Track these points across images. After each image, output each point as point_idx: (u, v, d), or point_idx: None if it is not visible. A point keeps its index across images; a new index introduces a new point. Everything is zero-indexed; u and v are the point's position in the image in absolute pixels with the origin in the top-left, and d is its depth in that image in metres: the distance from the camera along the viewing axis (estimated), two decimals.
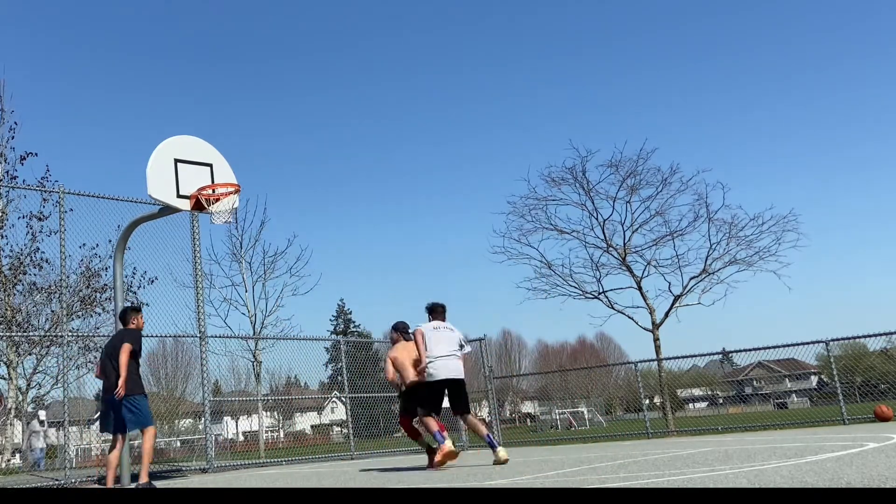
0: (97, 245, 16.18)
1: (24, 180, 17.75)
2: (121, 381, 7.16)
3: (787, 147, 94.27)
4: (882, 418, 12.72)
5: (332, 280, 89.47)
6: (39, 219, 16.54)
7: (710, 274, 18.53)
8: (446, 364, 8.00)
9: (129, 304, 8.40)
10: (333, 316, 60.07)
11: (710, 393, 57.74)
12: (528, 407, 59.92)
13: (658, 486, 3.88)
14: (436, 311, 8.51)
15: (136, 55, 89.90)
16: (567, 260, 23.29)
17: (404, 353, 8.42)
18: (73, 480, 10.17)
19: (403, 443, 18.15)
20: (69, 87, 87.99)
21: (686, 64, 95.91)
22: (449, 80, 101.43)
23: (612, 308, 19.32)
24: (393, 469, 8.59)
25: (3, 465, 18.07)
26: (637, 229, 19.10)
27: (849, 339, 14.83)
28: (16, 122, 18.14)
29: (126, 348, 7.29)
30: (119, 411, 7.36)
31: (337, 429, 42.07)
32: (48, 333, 16.91)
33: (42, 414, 19.79)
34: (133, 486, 7.76)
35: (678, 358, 16.71)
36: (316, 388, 23.79)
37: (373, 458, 13.50)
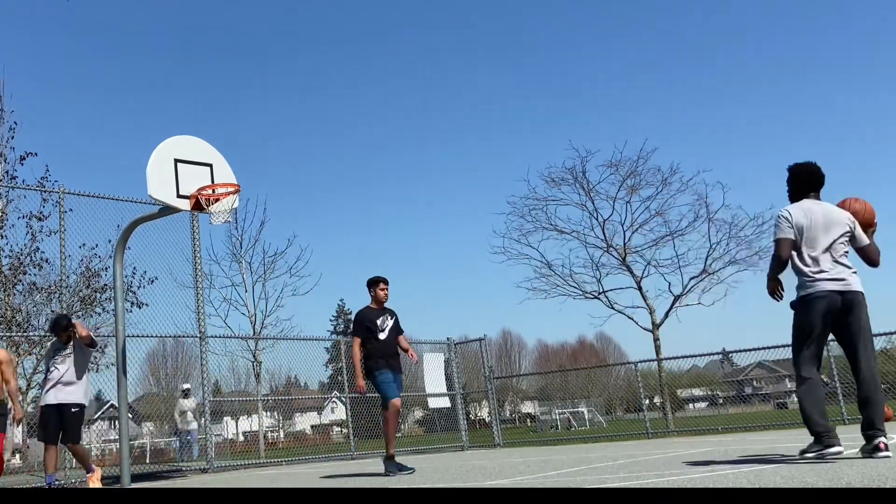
0: (97, 245, 16.15)
1: (23, 180, 17.74)
2: None
3: (787, 147, 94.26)
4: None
5: (332, 280, 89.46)
6: (39, 219, 16.53)
7: (710, 274, 18.56)
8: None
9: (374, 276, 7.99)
10: (333, 316, 60.12)
11: (710, 393, 57.71)
12: (528, 407, 59.94)
13: (658, 486, 3.88)
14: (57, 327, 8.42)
15: (137, 55, 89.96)
16: (567, 260, 23.31)
17: None
18: (73, 480, 10.17)
19: (403, 443, 18.15)
20: (69, 87, 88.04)
21: (686, 64, 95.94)
22: (448, 80, 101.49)
23: (612, 308, 19.36)
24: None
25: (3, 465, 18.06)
26: (637, 229, 19.14)
27: None
28: (16, 122, 18.15)
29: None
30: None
31: (337, 429, 42.06)
32: (48, 333, 16.89)
33: (185, 385, 17.73)
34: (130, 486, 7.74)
35: (678, 358, 16.72)
36: (316, 388, 23.80)
37: (373, 458, 13.49)
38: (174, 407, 16.99)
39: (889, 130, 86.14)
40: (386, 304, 7.87)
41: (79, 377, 8.22)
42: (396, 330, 7.80)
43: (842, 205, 5.63)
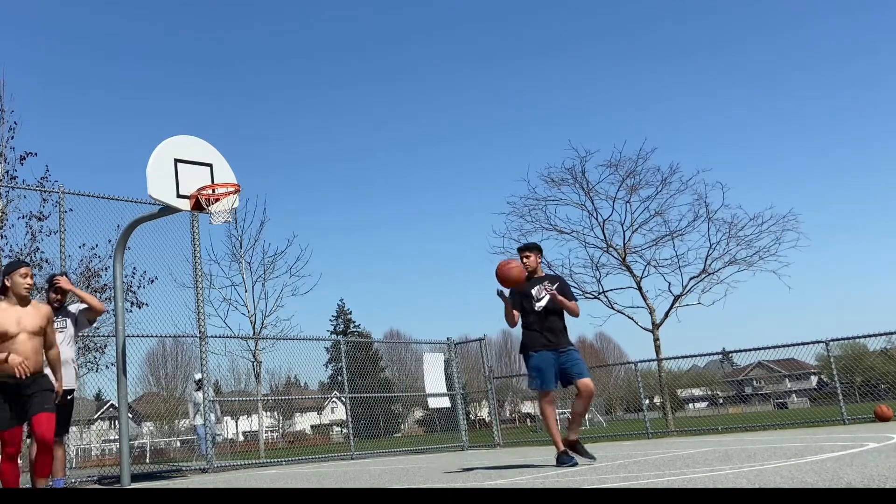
0: (97, 245, 16.14)
1: (23, 180, 17.71)
2: None
3: (787, 147, 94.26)
4: (882, 418, 12.72)
5: (332, 280, 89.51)
6: (39, 219, 16.51)
7: (710, 274, 18.54)
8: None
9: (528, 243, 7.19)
10: (333, 316, 60.15)
11: (710, 393, 57.74)
12: (528, 407, 59.91)
13: (658, 486, 3.88)
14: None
15: (137, 55, 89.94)
16: (567, 260, 23.28)
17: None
18: (73, 480, 10.17)
19: (404, 443, 18.14)
20: (69, 87, 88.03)
21: (686, 64, 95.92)
22: (448, 80, 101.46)
23: (612, 308, 19.33)
24: (393, 469, 8.58)
25: None
26: (637, 229, 19.11)
27: (849, 339, 14.83)
28: (15, 122, 18.14)
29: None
30: None
31: (337, 429, 42.05)
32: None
33: (197, 375, 16.49)
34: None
35: (678, 358, 16.73)
36: (316, 388, 23.82)
37: (373, 458, 13.49)
38: (187, 400, 16.39)
39: (890, 127, 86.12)
40: (548, 272, 6.80)
41: (70, 356, 7.01)
42: (565, 295, 6.79)
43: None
